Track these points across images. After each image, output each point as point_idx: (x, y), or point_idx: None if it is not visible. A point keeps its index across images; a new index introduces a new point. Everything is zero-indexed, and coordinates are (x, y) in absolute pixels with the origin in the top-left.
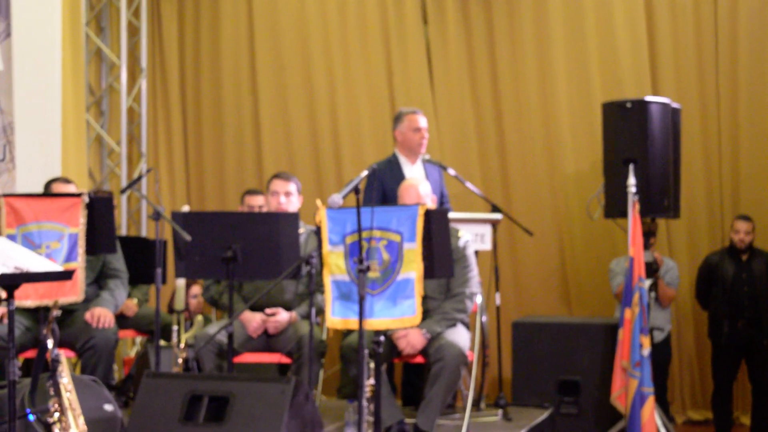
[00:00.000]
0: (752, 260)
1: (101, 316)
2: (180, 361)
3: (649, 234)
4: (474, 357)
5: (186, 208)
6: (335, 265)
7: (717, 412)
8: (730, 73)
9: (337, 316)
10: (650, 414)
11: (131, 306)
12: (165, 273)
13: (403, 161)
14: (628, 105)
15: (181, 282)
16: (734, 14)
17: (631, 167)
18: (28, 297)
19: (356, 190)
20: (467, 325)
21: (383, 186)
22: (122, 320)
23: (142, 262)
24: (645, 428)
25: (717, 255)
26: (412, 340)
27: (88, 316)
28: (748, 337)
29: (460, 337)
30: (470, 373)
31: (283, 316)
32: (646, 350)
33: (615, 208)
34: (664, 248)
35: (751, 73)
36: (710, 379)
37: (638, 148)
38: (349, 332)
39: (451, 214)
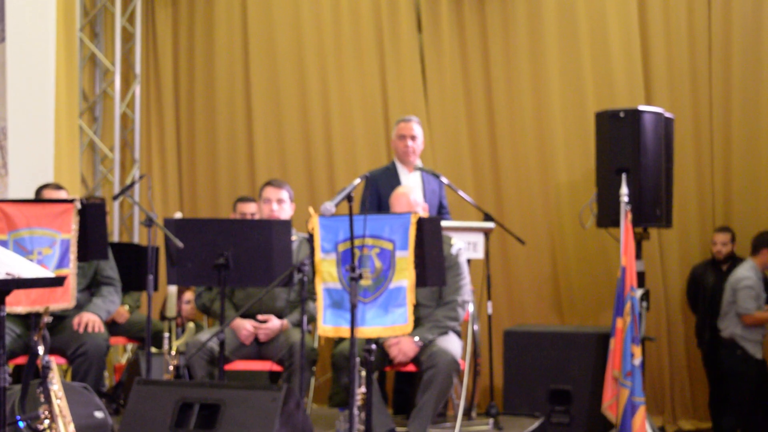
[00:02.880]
0: (733, 270)
1: (89, 321)
2: (171, 368)
3: None
4: (465, 365)
5: (178, 215)
6: (327, 273)
7: (715, 418)
8: (724, 83)
9: (329, 324)
10: (641, 424)
11: (123, 312)
12: (157, 280)
13: (401, 169)
14: (622, 114)
15: (173, 289)
16: (728, 25)
17: (623, 177)
18: (19, 303)
19: (349, 197)
20: (459, 334)
21: (379, 194)
22: (113, 327)
23: (134, 268)
24: None
25: (701, 266)
26: (404, 348)
27: (75, 321)
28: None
29: (452, 344)
30: (461, 382)
31: (274, 323)
32: (638, 360)
33: (607, 217)
34: (655, 258)
35: (744, 83)
36: (702, 388)
37: (631, 157)
38: (340, 340)
39: (444, 223)
